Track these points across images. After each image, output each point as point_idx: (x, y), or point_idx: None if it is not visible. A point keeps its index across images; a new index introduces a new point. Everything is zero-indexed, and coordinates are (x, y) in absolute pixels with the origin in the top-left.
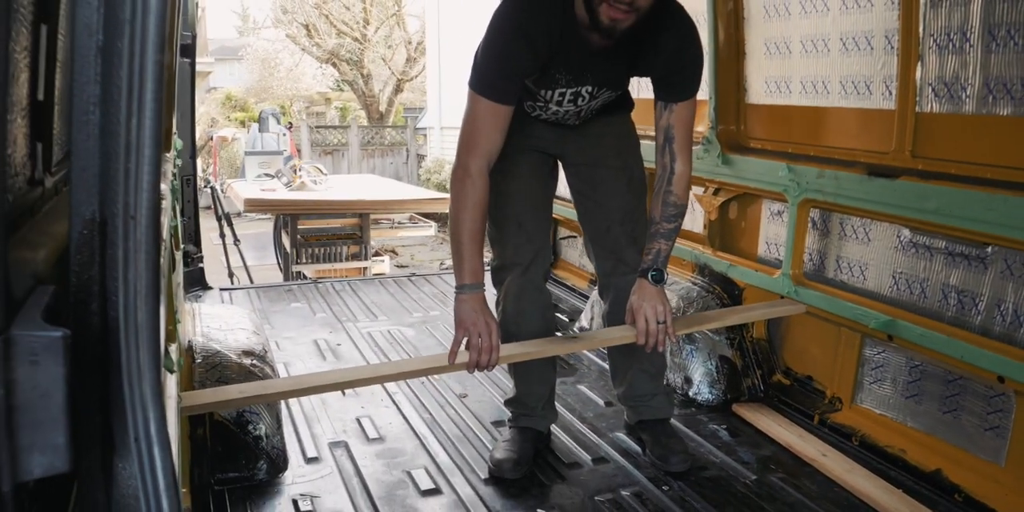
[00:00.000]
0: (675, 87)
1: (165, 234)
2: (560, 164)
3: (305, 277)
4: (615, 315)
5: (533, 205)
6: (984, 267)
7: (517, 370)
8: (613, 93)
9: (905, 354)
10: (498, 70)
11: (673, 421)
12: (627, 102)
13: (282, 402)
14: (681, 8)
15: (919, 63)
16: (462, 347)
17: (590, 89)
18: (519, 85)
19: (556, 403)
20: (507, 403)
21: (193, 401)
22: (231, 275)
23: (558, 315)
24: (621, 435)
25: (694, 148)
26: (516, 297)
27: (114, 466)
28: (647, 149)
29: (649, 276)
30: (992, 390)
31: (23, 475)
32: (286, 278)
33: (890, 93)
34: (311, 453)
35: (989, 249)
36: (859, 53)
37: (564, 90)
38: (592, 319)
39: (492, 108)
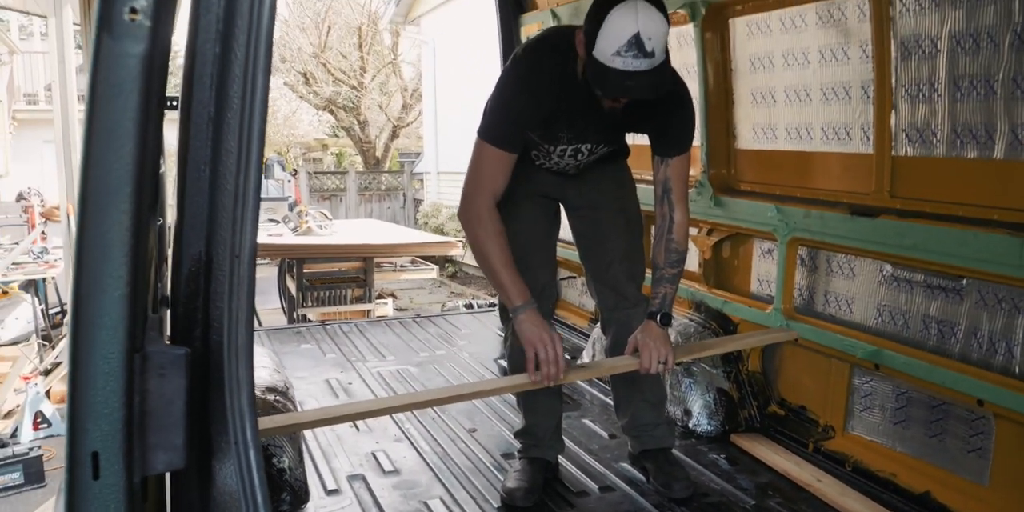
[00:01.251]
0: (670, 144)
1: None
2: (562, 207)
3: (309, 320)
4: (618, 348)
5: (538, 245)
6: (960, 298)
7: (526, 402)
8: (610, 148)
9: (891, 382)
10: (505, 121)
11: (674, 451)
12: (623, 148)
13: (301, 437)
14: (674, 70)
15: (893, 111)
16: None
17: (590, 146)
18: (523, 135)
19: (563, 436)
20: (517, 435)
21: (265, 426)
22: (253, 330)
23: None
24: (625, 465)
25: (688, 191)
26: None
27: (211, 467)
28: (643, 192)
29: (657, 319)
30: (973, 413)
31: (149, 470)
32: (290, 321)
33: (868, 138)
34: (331, 485)
35: (964, 281)
36: (838, 102)
37: (565, 147)
38: (593, 356)
39: (498, 155)
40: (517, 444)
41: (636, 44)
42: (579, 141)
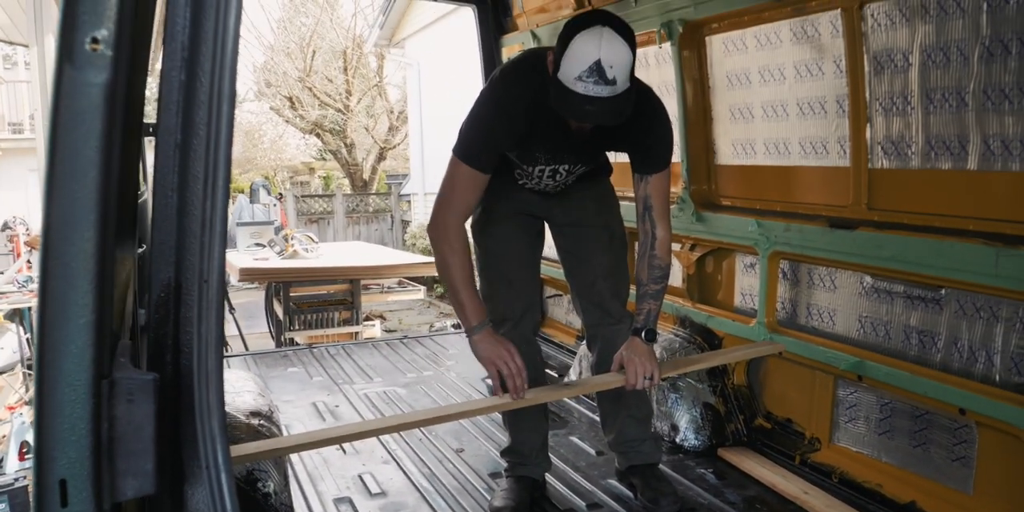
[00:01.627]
0: (649, 161)
1: None
2: (547, 225)
3: (296, 343)
4: (603, 365)
5: (521, 264)
6: (939, 308)
7: (512, 420)
8: (587, 167)
9: (875, 393)
10: (479, 142)
11: (661, 466)
12: (605, 167)
13: (287, 460)
14: (649, 89)
15: (868, 124)
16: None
17: (567, 167)
18: (497, 157)
19: (550, 454)
20: (503, 453)
21: (242, 452)
22: (225, 343)
23: (548, 371)
24: (613, 482)
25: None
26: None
27: (184, 493)
28: (626, 209)
29: (642, 335)
30: (955, 422)
31: (119, 496)
32: (278, 345)
33: (844, 152)
34: (317, 509)
35: (942, 291)
36: (814, 117)
37: (544, 167)
38: (580, 373)
39: (471, 174)
40: (504, 463)
41: (597, 71)
42: (556, 162)
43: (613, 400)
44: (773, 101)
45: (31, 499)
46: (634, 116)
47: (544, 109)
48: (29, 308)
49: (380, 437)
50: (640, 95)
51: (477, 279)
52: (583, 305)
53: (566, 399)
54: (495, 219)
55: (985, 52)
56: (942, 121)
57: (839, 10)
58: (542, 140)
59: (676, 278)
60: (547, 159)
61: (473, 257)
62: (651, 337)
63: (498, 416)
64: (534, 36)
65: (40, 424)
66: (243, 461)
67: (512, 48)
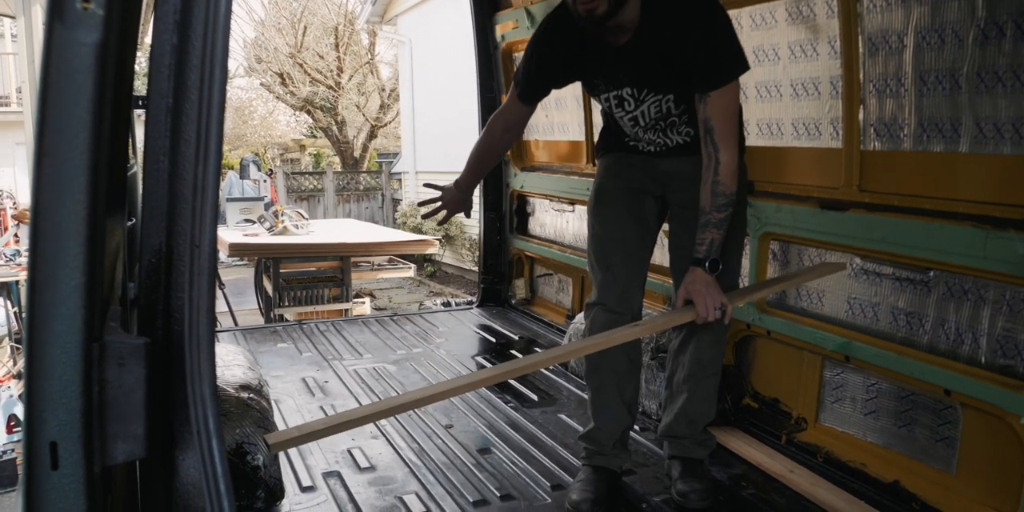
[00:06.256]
0: (704, 75)
1: None
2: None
3: (286, 320)
4: (685, 345)
5: (626, 251)
6: (928, 290)
7: (595, 406)
8: (661, 96)
9: (862, 374)
10: (520, 70)
11: (697, 458)
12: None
13: None
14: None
15: (861, 106)
16: None
17: (630, 91)
18: (539, 86)
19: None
20: (581, 438)
21: (279, 438)
22: (214, 319)
23: (537, 348)
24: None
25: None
26: (602, 326)
27: (175, 458)
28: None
29: (705, 265)
30: (940, 403)
31: (109, 460)
32: (267, 322)
33: (837, 133)
34: (306, 482)
35: (931, 273)
36: (808, 98)
37: (607, 95)
38: None
39: (512, 94)
40: (581, 450)
41: None
42: (616, 85)
43: (672, 395)
44: (767, 81)
45: (19, 470)
46: (681, 22)
47: (586, 39)
48: (16, 282)
49: None
50: (690, 3)
51: (588, 257)
52: (678, 287)
53: (554, 377)
54: (605, 200)
55: (980, 34)
56: (935, 103)
57: None
58: (592, 64)
59: (666, 257)
60: (606, 83)
61: (586, 234)
62: (715, 267)
63: (487, 391)
64: (528, 14)
65: (30, 386)
66: (273, 450)
67: (505, 25)
